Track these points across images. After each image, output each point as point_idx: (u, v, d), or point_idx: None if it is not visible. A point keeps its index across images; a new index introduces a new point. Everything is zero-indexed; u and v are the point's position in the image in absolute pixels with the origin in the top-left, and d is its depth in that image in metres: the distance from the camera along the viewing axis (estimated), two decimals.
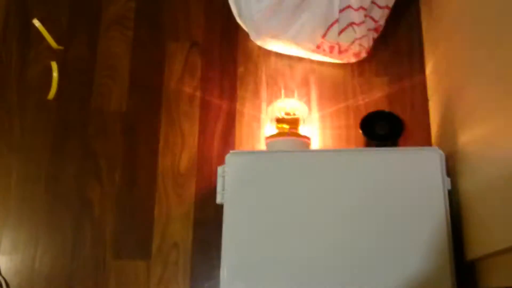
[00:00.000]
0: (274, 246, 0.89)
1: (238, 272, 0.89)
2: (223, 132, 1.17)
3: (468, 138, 0.86)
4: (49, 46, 1.25)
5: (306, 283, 0.87)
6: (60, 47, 1.25)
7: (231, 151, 0.97)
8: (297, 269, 0.88)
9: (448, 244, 0.86)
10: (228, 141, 1.16)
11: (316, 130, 1.14)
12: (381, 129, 1.03)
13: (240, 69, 1.22)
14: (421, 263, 0.86)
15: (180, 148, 1.16)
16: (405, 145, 1.10)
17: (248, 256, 0.89)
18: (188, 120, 1.18)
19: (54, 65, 1.23)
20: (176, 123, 1.19)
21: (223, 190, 0.94)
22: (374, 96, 1.16)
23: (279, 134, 1.05)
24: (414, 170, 0.91)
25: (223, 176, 0.95)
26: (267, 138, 1.06)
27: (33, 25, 1.24)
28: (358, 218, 0.90)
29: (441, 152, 0.92)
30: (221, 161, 0.97)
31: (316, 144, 1.13)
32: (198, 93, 1.20)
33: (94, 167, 1.16)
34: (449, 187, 0.91)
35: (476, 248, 0.84)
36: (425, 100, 1.14)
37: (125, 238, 1.11)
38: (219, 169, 0.96)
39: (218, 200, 0.94)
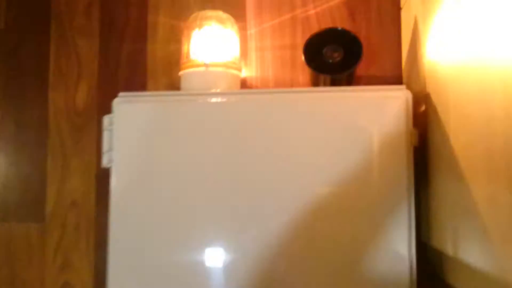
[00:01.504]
0: (173, 225, 0.67)
1: (126, 272, 0.67)
2: (131, 55, 0.89)
3: (456, 73, 0.59)
4: None
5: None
6: None
7: (119, 95, 0.70)
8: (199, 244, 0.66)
9: (409, 221, 0.64)
10: (138, 67, 0.88)
11: (251, 53, 0.86)
12: (331, 55, 0.75)
13: None
14: (377, 236, 0.64)
15: (76, 78, 0.89)
16: (367, 73, 0.83)
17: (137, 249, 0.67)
18: (84, 39, 0.89)
19: None
20: (70, 42, 0.90)
21: (110, 149, 0.69)
22: (330, 3, 0.86)
23: (198, 64, 0.77)
24: (369, 120, 0.66)
25: (111, 130, 0.70)
26: (182, 68, 0.79)
27: None
28: (300, 182, 0.66)
29: (408, 93, 0.65)
30: None
31: (251, 71, 0.86)
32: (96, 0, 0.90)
33: None
34: (416, 143, 0.66)
35: (438, 237, 0.62)
36: (397, 9, 0.84)
37: (12, 196, 0.88)
38: (105, 120, 0.70)
39: (104, 163, 0.70)
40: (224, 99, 0.69)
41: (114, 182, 0.68)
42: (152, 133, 0.69)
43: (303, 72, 0.85)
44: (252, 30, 0.86)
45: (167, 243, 0.67)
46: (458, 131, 0.54)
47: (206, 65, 0.76)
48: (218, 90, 0.73)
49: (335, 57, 0.75)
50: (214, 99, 0.69)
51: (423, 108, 0.68)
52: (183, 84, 0.78)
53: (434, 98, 0.64)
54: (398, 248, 0.64)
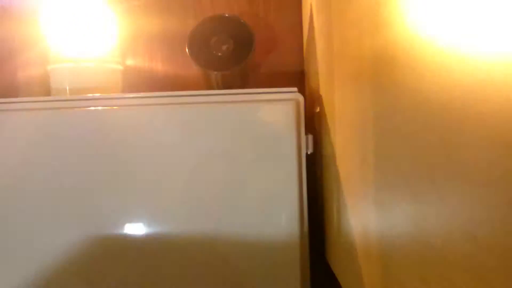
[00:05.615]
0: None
1: None
2: None
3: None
4: None
5: None
6: None
7: None
8: None
9: (300, 243, 0.59)
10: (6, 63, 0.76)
11: (136, 38, 0.76)
12: (219, 47, 0.66)
13: None
14: (268, 264, 0.59)
15: None
16: (267, 60, 0.76)
17: None
18: None
19: None
20: None
21: None
22: None
23: (65, 58, 0.67)
24: (255, 128, 0.58)
25: None
26: (49, 61, 0.68)
27: None
28: (180, 195, 0.59)
29: (300, 97, 0.58)
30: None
31: (136, 59, 0.76)
32: None
33: None
34: (310, 149, 0.60)
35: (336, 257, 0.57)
36: None
37: None
38: None
39: None
40: (91, 108, 0.59)
41: None
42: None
43: None
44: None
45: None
46: (340, 135, 0.49)
47: (74, 60, 0.66)
48: (89, 95, 0.63)
49: (223, 50, 0.67)
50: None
51: (318, 109, 0.62)
52: (53, 81, 0.67)
53: (325, 100, 0.57)
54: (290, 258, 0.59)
